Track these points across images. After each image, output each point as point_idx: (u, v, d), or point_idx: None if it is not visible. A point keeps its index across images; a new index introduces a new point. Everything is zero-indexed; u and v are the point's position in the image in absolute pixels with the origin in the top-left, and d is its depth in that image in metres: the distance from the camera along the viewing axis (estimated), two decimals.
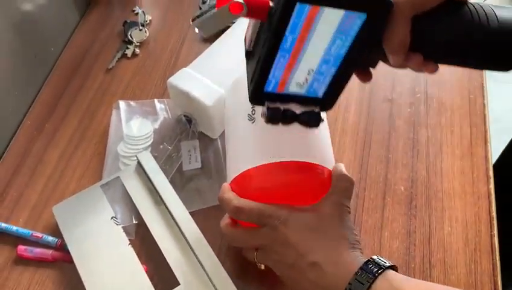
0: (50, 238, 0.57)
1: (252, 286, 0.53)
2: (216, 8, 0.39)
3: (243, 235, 0.49)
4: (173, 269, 0.52)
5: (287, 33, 0.37)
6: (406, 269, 0.54)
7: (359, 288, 0.40)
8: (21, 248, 0.57)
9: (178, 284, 0.51)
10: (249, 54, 0.44)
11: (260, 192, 0.48)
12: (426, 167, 0.62)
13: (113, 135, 0.66)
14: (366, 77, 0.47)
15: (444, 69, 0.71)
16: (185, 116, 0.65)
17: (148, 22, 0.80)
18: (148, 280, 0.52)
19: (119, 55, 0.76)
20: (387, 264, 0.42)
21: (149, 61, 0.76)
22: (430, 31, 0.41)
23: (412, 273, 0.54)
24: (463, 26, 0.41)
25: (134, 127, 0.65)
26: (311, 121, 0.44)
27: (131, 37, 0.78)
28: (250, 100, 0.44)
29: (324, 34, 0.38)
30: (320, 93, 0.43)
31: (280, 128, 0.48)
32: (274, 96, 0.43)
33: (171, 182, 0.58)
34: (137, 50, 0.77)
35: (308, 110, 0.44)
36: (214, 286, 0.50)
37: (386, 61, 0.44)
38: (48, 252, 0.56)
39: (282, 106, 0.43)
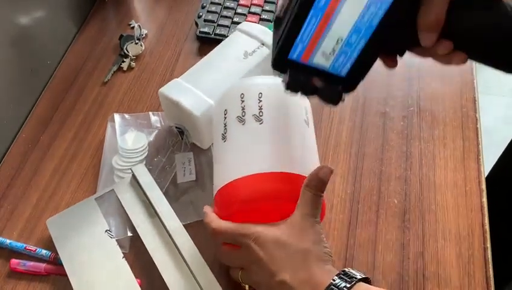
0: (44, 252, 0.57)
1: None
2: None
3: (225, 255, 0.49)
4: (167, 283, 0.52)
5: None
6: (400, 283, 0.54)
7: None
8: (14, 261, 0.57)
9: None
10: (278, 21, 0.42)
11: (245, 205, 0.48)
12: (419, 180, 0.62)
13: (108, 147, 0.66)
14: (391, 62, 0.45)
15: (437, 83, 0.72)
16: (176, 127, 0.65)
17: (144, 35, 0.81)
18: None
19: (114, 68, 0.76)
20: (359, 276, 0.41)
21: (144, 74, 0.76)
22: (465, 17, 0.40)
23: (406, 286, 0.54)
24: (500, 20, 0.39)
25: (129, 140, 0.65)
26: (332, 97, 0.42)
27: (127, 50, 0.78)
28: (272, 65, 0.41)
29: None
30: (344, 72, 0.41)
31: (272, 137, 0.49)
32: (297, 66, 0.41)
33: (165, 194, 0.59)
34: (133, 63, 0.77)
35: (331, 85, 0.42)
36: None
37: (414, 48, 0.42)
38: (41, 266, 0.56)
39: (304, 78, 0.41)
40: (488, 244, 0.57)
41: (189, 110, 0.60)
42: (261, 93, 0.53)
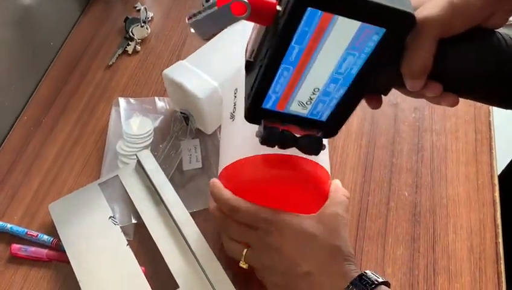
0: (45, 237, 0.56)
1: (253, 289, 0.51)
2: (216, 7, 0.34)
3: (235, 227, 0.47)
4: (172, 271, 0.51)
5: (293, 42, 0.33)
6: (410, 276, 0.53)
7: None
8: (15, 246, 0.55)
9: (177, 286, 0.50)
10: (249, 65, 0.40)
11: (251, 184, 0.47)
12: (431, 173, 0.61)
13: (112, 132, 0.64)
14: (375, 103, 0.42)
15: None
16: (181, 113, 0.63)
17: (149, 18, 0.79)
18: (146, 282, 0.50)
19: (119, 51, 0.75)
20: (380, 280, 0.41)
21: (150, 58, 0.74)
22: (453, 57, 0.37)
23: (416, 280, 0.53)
24: (492, 57, 0.37)
25: (134, 125, 0.63)
26: (312, 147, 0.41)
27: (132, 33, 0.76)
28: (245, 117, 0.40)
29: (335, 48, 0.34)
30: (324, 116, 0.39)
31: None
32: (272, 115, 0.39)
33: (171, 181, 0.57)
34: (138, 47, 0.75)
35: (309, 134, 0.40)
36: (213, 288, 0.49)
37: (400, 88, 0.40)
38: (43, 252, 0.55)
39: (280, 127, 0.40)
40: (500, 240, 0.56)
41: (192, 92, 0.58)
42: None
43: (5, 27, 0.65)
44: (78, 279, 0.51)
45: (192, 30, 0.37)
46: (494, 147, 0.63)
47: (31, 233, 0.56)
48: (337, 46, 0.34)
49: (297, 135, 0.41)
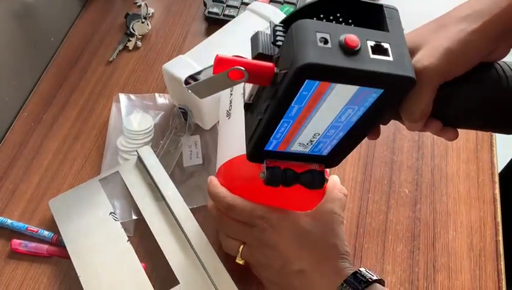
0: (46, 233, 0.56)
1: (253, 285, 0.52)
2: (213, 74, 0.35)
3: (231, 225, 0.48)
4: (172, 268, 0.51)
5: (293, 103, 0.34)
6: (410, 273, 0.53)
7: None
8: (15, 242, 0.55)
9: (177, 283, 0.50)
10: (248, 107, 0.41)
11: (248, 181, 0.47)
12: (431, 170, 0.61)
13: (113, 128, 0.64)
14: (374, 135, 0.42)
15: None
16: (180, 108, 0.63)
17: (150, 14, 0.79)
18: (146, 278, 0.51)
19: (120, 47, 0.74)
20: (375, 278, 0.41)
21: (151, 54, 0.74)
22: (453, 98, 0.37)
23: (416, 277, 0.53)
24: (489, 93, 0.37)
25: (134, 121, 0.63)
26: (314, 182, 0.42)
27: (133, 29, 0.76)
28: (248, 158, 0.41)
29: (334, 105, 0.34)
30: (325, 152, 0.40)
31: None
32: (274, 154, 0.40)
33: (171, 177, 0.57)
34: (139, 43, 0.75)
35: (311, 168, 0.41)
36: (214, 285, 0.49)
37: (400, 120, 0.40)
38: (43, 247, 0.55)
39: (282, 165, 0.41)
40: (500, 237, 0.56)
41: None
42: None
43: (6, 22, 0.65)
44: (79, 274, 0.51)
45: (189, 91, 0.37)
46: (495, 144, 0.63)
47: (32, 229, 0.56)
48: (336, 104, 0.34)
49: (299, 172, 0.42)
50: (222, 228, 0.49)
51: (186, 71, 0.59)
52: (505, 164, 0.81)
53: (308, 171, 0.41)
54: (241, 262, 0.48)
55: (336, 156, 0.41)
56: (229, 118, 0.51)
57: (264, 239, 0.44)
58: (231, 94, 0.52)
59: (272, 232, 0.44)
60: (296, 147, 0.40)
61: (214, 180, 0.49)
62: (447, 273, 0.54)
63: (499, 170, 0.63)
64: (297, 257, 0.43)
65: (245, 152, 0.46)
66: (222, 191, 0.47)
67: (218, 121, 0.64)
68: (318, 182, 0.42)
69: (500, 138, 0.65)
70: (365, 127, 0.37)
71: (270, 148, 0.40)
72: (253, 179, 0.46)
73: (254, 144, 0.39)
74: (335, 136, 0.38)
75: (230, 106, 0.52)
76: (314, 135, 0.38)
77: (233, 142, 0.49)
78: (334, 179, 0.50)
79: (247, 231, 0.46)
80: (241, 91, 0.51)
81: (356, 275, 0.41)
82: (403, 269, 0.54)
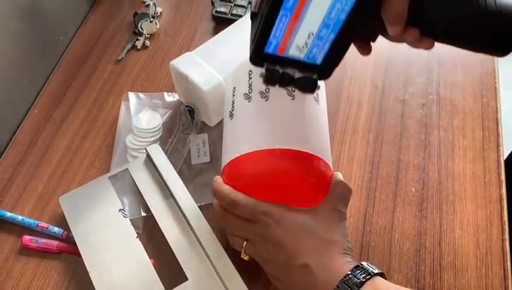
0: (56, 229, 0.56)
1: (261, 282, 0.52)
2: None
3: (235, 222, 0.48)
4: (181, 264, 0.51)
5: None
6: (416, 272, 0.54)
7: None
8: (26, 238, 0.56)
9: (186, 279, 0.50)
10: (253, 16, 0.44)
11: (252, 179, 0.47)
12: (438, 169, 0.61)
13: (122, 126, 0.65)
14: (365, 49, 0.47)
15: (457, 72, 0.71)
16: (186, 106, 0.64)
17: (158, 14, 0.80)
18: (155, 274, 0.51)
19: (129, 46, 0.75)
20: (376, 271, 0.42)
21: (159, 53, 0.75)
22: (427, 7, 0.41)
23: (422, 276, 0.54)
24: (462, 7, 0.40)
25: (143, 119, 0.64)
26: (308, 86, 0.44)
27: (141, 28, 0.77)
28: (250, 60, 0.43)
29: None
30: (319, 60, 0.43)
31: (277, 114, 0.49)
32: (273, 58, 0.43)
33: (180, 175, 0.58)
34: (147, 42, 0.76)
35: (306, 75, 0.44)
36: (222, 281, 0.49)
37: (385, 34, 0.44)
38: (54, 243, 0.55)
39: (280, 69, 0.43)
40: (507, 236, 0.56)
41: (197, 84, 0.59)
42: None
43: (16, 22, 0.66)
44: (88, 270, 0.51)
45: None
46: (502, 144, 0.63)
47: (42, 225, 0.57)
48: None
49: (296, 76, 0.44)
50: (226, 225, 0.50)
51: (193, 68, 0.60)
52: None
53: (303, 77, 0.44)
54: (245, 258, 0.49)
55: (328, 64, 0.44)
56: (231, 119, 0.52)
57: (267, 234, 0.45)
58: (233, 95, 0.53)
59: (275, 227, 0.45)
60: (293, 51, 0.42)
61: (218, 178, 0.50)
62: (453, 272, 0.54)
63: (505, 157, 0.63)
64: (300, 251, 0.44)
65: (248, 151, 0.47)
66: (225, 188, 0.48)
67: (223, 119, 0.65)
68: (311, 86, 0.44)
69: (506, 125, 0.65)
70: (352, 27, 0.40)
71: (270, 50, 0.42)
72: (257, 176, 0.47)
73: (256, 42, 0.41)
74: (327, 38, 0.41)
75: (233, 106, 0.52)
76: (309, 34, 0.41)
77: (236, 142, 0.50)
78: (337, 176, 0.50)
79: (250, 227, 0.47)
80: (244, 91, 0.52)
81: (357, 268, 0.42)
82: (409, 267, 0.54)
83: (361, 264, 0.42)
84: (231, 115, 0.52)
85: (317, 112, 0.53)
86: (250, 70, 0.53)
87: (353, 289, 0.40)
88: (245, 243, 0.48)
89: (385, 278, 0.42)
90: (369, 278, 0.41)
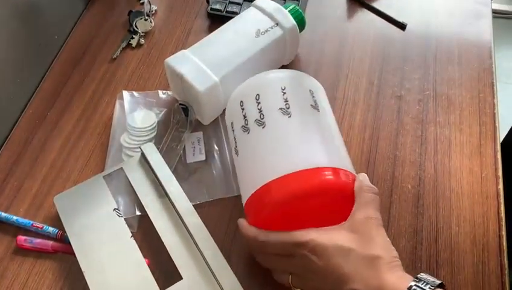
0: (50, 229, 0.56)
1: (256, 281, 0.52)
2: None
3: (273, 260, 0.47)
4: (176, 263, 0.51)
5: None
6: (413, 268, 0.53)
7: None
8: (21, 238, 0.56)
9: (180, 278, 0.50)
10: None
11: (275, 210, 0.45)
12: (434, 165, 0.61)
13: (117, 125, 0.65)
14: None
15: (454, 67, 0.71)
16: (181, 104, 0.64)
17: (153, 12, 0.79)
18: (150, 273, 0.51)
19: (123, 44, 0.75)
20: (437, 282, 0.39)
21: (154, 51, 0.75)
22: None
23: (418, 273, 0.53)
24: None
25: (138, 118, 0.63)
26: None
27: (136, 27, 0.76)
28: None
29: None
30: None
31: (278, 138, 0.48)
32: None
33: (175, 173, 0.57)
34: (142, 40, 0.75)
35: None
36: (217, 280, 0.49)
37: None
38: (48, 243, 0.55)
39: None
40: (504, 232, 0.56)
41: (192, 84, 0.59)
42: (258, 94, 0.51)
43: (10, 21, 0.65)
44: (83, 270, 0.51)
45: None
46: (499, 139, 0.63)
47: (37, 225, 0.56)
48: None
49: None
50: (266, 263, 0.49)
51: (188, 67, 0.60)
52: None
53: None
54: None
55: None
56: (238, 156, 0.51)
57: (307, 265, 0.43)
58: (233, 131, 0.52)
59: (312, 257, 0.43)
60: None
61: (241, 221, 0.48)
62: (450, 269, 0.53)
63: (501, 140, 0.63)
64: (344, 277, 0.41)
65: (262, 184, 0.45)
66: (251, 231, 0.46)
67: (220, 116, 0.64)
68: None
69: (502, 106, 0.64)
70: None
71: None
72: (280, 206, 0.45)
73: None
74: None
75: (235, 142, 0.51)
76: None
77: (249, 178, 0.48)
78: (360, 179, 0.47)
79: (288, 261, 0.45)
80: (241, 124, 0.50)
81: (416, 282, 0.39)
82: (405, 265, 0.53)
83: (418, 278, 0.40)
84: (236, 152, 0.51)
85: (320, 119, 0.51)
86: (241, 101, 0.51)
87: None
88: (290, 276, 0.46)
89: (445, 289, 0.40)
90: None
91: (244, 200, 0.49)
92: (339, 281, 0.41)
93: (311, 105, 0.51)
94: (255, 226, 0.47)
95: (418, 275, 0.40)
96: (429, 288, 0.39)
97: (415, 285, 0.39)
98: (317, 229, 0.44)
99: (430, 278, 0.40)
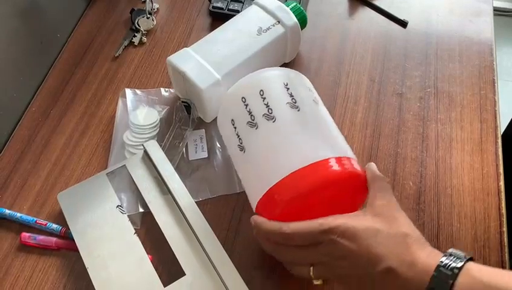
0: (54, 226, 0.57)
1: (258, 276, 0.52)
2: None
3: (294, 253, 0.45)
4: (179, 259, 0.51)
5: None
6: None
7: (442, 287, 0.38)
8: (25, 235, 0.56)
9: (183, 274, 0.50)
10: None
11: (294, 203, 0.45)
12: (435, 162, 0.61)
13: (119, 123, 0.65)
14: None
15: (455, 64, 0.71)
16: (183, 101, 0.64)
17: (155, 10, 0.79)
18: (153, 269, 0.51)
19: (126, 43, 0.75)
20: (467, 257, 0.39)
21: (156, 49, 0.75)
22: None
23: None
24: None
25: (140, 115, 0.64)
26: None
27: (138, 25, 0.77)
28: None
29: None
30: None
31: (292, 131, 0.47)
32: None
33: (177, 171, 0.58)
34: (144, 38, 0.76)
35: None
36: (220, 276, 0.49)
37: None
38: (52, 240, 0.56)
39: None
40: (505, 229, 0.56)
41: (194, 82, 0.59)
42: (262, 90, 0.50)
43: (13, 20, 0.66)
44: (87, 266, 0.52)
45: None
46: (500, 136, 0.63)
47: (40, 222, 0.57)
48: None
49: None
50: (284, 257, 0.47)
51: (190, 65, 0.60)
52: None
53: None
54: (319, 283, 0.45)
55: None
56: (244, 152, 0.50)
57: (335, 252, 0.42)
58: (235, 128, 0.51)
59: (342, 241, 0.42)
60: None
61: (257, 218, 0.47)
62: None
63: (502, 131, 0.63)
64: (377, 257, 0.41)
65: (280, 178, 0.45)
66: (273, 225, 0.45)
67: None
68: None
69: (503, 104, 0.64)
70: None
71: None
72: (299, 199, 0.45)
73: None
74: None
75: (240, 139, 0.50)
76: None
77: (262, 174, 0.48)
78: (371, 168, 0.48)
79: (313, 252, 0.44)
80: (246, 120, 0.50)
81: (446, 258, 0.39)
82: None
83: (448, 252, 0.40)
84: (242, 149, 0.50)
85: (324, 113, 0.52)
86: (243, 98, 0.51)
87: (448, 282, 0.38)
88: (311, 269, 0.44)
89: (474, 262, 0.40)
90: (462, 267, 0.38)
91: (255, 195, 0.48)
92: (371, 263, 0.41)
93: (313, 100, 0.52)
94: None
95: (448, 251, 0.41)
96: (460, 262, 0.39)
97: (446, 259, 0.39)
98: (342, 215, 0.44)
99: (460, 253, 0.40)
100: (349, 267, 0.42)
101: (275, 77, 0.52)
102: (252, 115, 0.50)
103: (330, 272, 0.44)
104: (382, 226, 0.42)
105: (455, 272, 0.38)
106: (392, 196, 0.46)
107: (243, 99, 0.51)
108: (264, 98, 0.50)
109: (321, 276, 0.45)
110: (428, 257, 0.40)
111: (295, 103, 0.50)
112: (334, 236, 0.42)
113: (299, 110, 0.49)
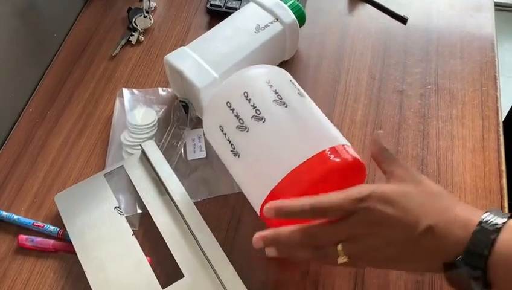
0: (51, 228, 0.56)
1: (257, 277, 0.52)
2: None
3: (319, 231, 0.42)
4: (177, 261, 0.51)
5: None
6: None
7: (482, 243, 0.37)
8: (22, 237, 0.56)
9: (182, 275, 0.50)
10: None
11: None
12: (436, 160, 0.61)
13: (117, 123, 0.65)
14: None
15: (456, 61, 0.70)
16: (181, 101, 0.64)
17: (152, 9, 0.79)
18: (151, 271, 0.51)
19: (123, 42, 0.74)
20: (508, 214, 0.39)
21: (153, 48, 0.74)
22: None
23: None
24: None
25: (138, 115, 0.63)
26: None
27: (135, 24, 0.76)
28: None
29: None
30: None
31: (285, 129, 0.47)
32: None
33: (175, 171, 0.57)
34: (141, 37, 0.75)
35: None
36: (218, 277, 0.49)
37: None
38: (49, 242, 0.55)
39: None
40: None
41: (192, 81, 0.58)
42: (245, 92, 0.50)
43: (10, 19, 0.65)
44: (84, 269, 0.51)
45: None
46: (502, 133, 0.63)
47: (38, 224, 0.56)
48: None
49: None
50: (308, 239, 0.43)
51: (188, 63, 0.60)
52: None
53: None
54: (345, 260, 0.42)
55: None
56: (238, 157, 0.49)
57: (373, 218, 0.40)
58: (225, 134, 0.50)
59: (380, 206, 0.40)
60: None
61: (275, 202, 0.43)
62: None
63: (503, 118, 0.62)
64: (417, 217, 0.40)
65: (282, 177, 0.44)
66: (294, 202, 0.42)
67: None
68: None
69: (505, 100, 0.64)
70: None
71: None
72: (302, 195, 0.44)
73: None
74: None
75: (232, 144, 0.49)
76: None
77: (263, 175, 0.47)
78: (378, 141, 0.48)
79: (343, 225, 0.41)
80: (235, 125, 0.49)
81: (487, 214, 0.39)
82: None
83: (489, 210, 0.39)
84: (236, 154, 0.49)
85: (311, 105, 0.52)
86: (228, 102, 0.50)
87: (490, 235, 0.37)
88: (340, 245, 0.42)
89: None
90: (504, 223, 0.37)
91: (257, 199, 0.47)
92: (410, 225, 0.40)
93: (298, 93, 0.52)
94: (278, 223, 0.45)
95: (488, 209, 0.40)
96: (503, 218, 0.38)
97: (488, 215, 0.38)
98: (369, 184, 0.45)
99: (500, 211, 0.39)
100: (388, 235, 0.40)
101: (256, 77, 0.52)
102: (240, 119, 0.49)
103: (364, 244, 0.41)
104: (412, 188, 0.42)
105: (498, 227, 0.37)
106: (405, 164, 0.46)
107: (228, 104, 0.50)
108: (250, 100, 0.49)
109: (352, 251, 0.42)
110: (467, 213, 0.40)
111: (281, 99, 0.49)
112: (371, 202, 0.40)
113: (286, 106, 0.49)
